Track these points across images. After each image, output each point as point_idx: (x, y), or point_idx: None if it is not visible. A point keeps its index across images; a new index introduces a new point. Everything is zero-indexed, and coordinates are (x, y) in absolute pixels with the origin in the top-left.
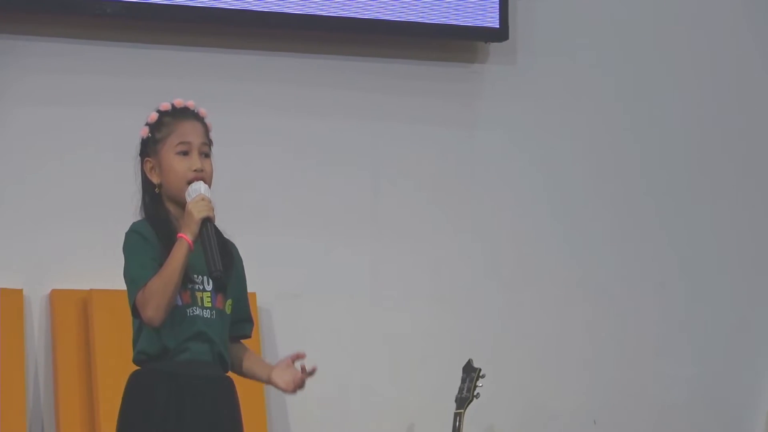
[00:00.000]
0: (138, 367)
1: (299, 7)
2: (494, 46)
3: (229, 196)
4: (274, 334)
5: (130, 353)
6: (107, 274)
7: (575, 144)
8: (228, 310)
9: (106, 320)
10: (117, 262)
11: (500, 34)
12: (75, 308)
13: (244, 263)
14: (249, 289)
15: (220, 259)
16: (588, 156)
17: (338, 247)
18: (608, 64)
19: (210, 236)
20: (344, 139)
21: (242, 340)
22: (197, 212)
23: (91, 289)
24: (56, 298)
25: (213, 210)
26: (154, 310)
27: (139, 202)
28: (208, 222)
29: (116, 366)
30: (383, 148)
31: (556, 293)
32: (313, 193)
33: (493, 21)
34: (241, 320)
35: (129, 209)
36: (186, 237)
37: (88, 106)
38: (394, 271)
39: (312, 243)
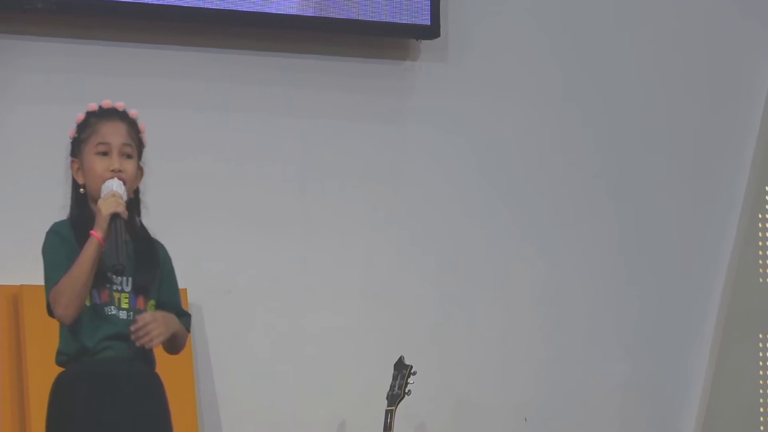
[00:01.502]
0: (62, 369)
1: (229, 4)
2: (425, 44)
3: (159, 193)
4: (204, 330)
5: None
6: (38, 269)
7: (507, 139)
8: (150, 310)
9: (36, 316)
10: None
11: (431, 31)
12: (6, 304)
13: (175, 260)
14: (180, 285)
15: (122, 255)
16: (520, 150)
17: (270, 243)
18: (538, 61)
19: (116, 231)
20: (275, 135)
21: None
22: (105, 208)
23: (21, 285)
24: None
25: (123, 206)
26: (63, 307)
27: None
28: (117, 218)
29: (47, 361)
30: (315, 144)
31: (488, 290)
32: (244, 189)
33: (424, 18)
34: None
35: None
36: (96, 234)
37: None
38: (326, 268)
39: (243, 240)
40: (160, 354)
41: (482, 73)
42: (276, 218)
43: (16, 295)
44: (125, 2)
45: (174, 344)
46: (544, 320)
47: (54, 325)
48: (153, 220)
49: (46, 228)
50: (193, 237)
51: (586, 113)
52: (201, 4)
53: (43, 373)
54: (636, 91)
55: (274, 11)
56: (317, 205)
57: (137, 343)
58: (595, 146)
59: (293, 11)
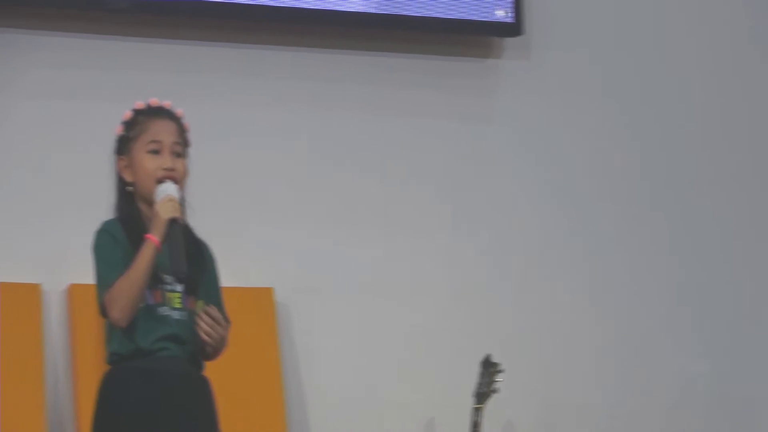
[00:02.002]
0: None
1: (314, 2)
2: (508, 41)
3: (246, 193)
4: (292, 329)
5: None
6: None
7: (588, 140)
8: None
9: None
10: None
11: (514, 29)
12: (93, 303)
13: (262, 259)
14: (267, 284)
15: (185, 260)
16: (601, 152)
17: (356, 242)
18: (622, 59)
19: (176, 237)
20: (357, 134)
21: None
22: (164, 213)
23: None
24: (74, 292)
25: (180, 211)
26: (120, 311)
27: (114, 200)
28: (174, 223)
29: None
30: (397, 142)
31: (572, 289)
32: (328, 188)
33: (507, 16)
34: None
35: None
36: (153, 238)
37: (93, 100)
38: (410, 267)
39: (329, 239)
40: (247, 353)
41: (565, 71)
42: (360, 217)
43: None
44: (203, 1)
45: (215, 353)
46: (629, 320)
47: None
48: (242, 219)
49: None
50: (280, 236)
51: (672, 110)
52: (289, 4)
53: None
54: (720, 93)
55: (357, 9)
56: (400, 203)
57: (198, 327)
58: (682, 145)
59: (377, 9)
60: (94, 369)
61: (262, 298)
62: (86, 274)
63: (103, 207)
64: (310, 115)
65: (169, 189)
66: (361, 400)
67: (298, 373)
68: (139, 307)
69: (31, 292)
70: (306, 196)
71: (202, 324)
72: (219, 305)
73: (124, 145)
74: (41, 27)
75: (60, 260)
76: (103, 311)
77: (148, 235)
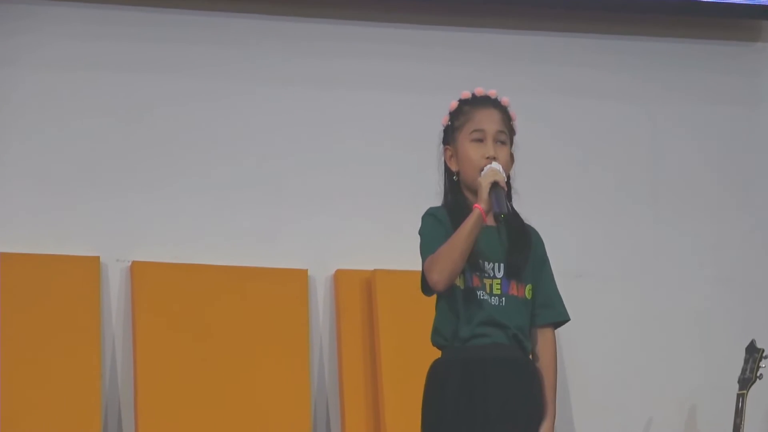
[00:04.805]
0: (438, 352)
1: None
2: None
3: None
4: None
5: (413, 332)
6: (391, 254)
7: None
8: (528, 295)
9: (389, 300)
10: (400, 242)
11: None
12: (359, 288)
13: None
14: None
15: (506, 204)
16: None
17: (618, 226)
18: None
19: (498, 191)
20: (623, 119)
21: (551, 329)
22: (485, 180)
23: (375, 270)
24: (340, 278)
25: (503, 178)
26: (438, 273)
27: (441, 189)
28: (496, 185)
29: (399, 345)
30: (662, 128)
31: None
32: (591, 173)
33: None
34: (540, 306)
35: (407, 196)
36: (478, 206)
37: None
38: (675, 251)
39: (593, 223)
40: None
41: None
42: (625, 202)
43: (369, 280)
44: None
45: None
46: None
47: (407, 309)
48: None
49: (392, 214)
50: (545, 222)
51: None
52: None
53: (396, 355)
54: None
55: None
56: (667, 187)
57: None
58: None
59: None
60: (359, 353)
61: None
62: (352, 260)
63: (367, 194)
64: (573, 102)
65: (492, 165)
66: (622, 384)
67: (561, 355)
68: (457, 285)
69: (298, 278)
70: (569, 184)
71: None
72: (547, 290)
73: (449, 135)
74: None
75: (327, 246)
76: (424, 282)
77: (476, 205)
